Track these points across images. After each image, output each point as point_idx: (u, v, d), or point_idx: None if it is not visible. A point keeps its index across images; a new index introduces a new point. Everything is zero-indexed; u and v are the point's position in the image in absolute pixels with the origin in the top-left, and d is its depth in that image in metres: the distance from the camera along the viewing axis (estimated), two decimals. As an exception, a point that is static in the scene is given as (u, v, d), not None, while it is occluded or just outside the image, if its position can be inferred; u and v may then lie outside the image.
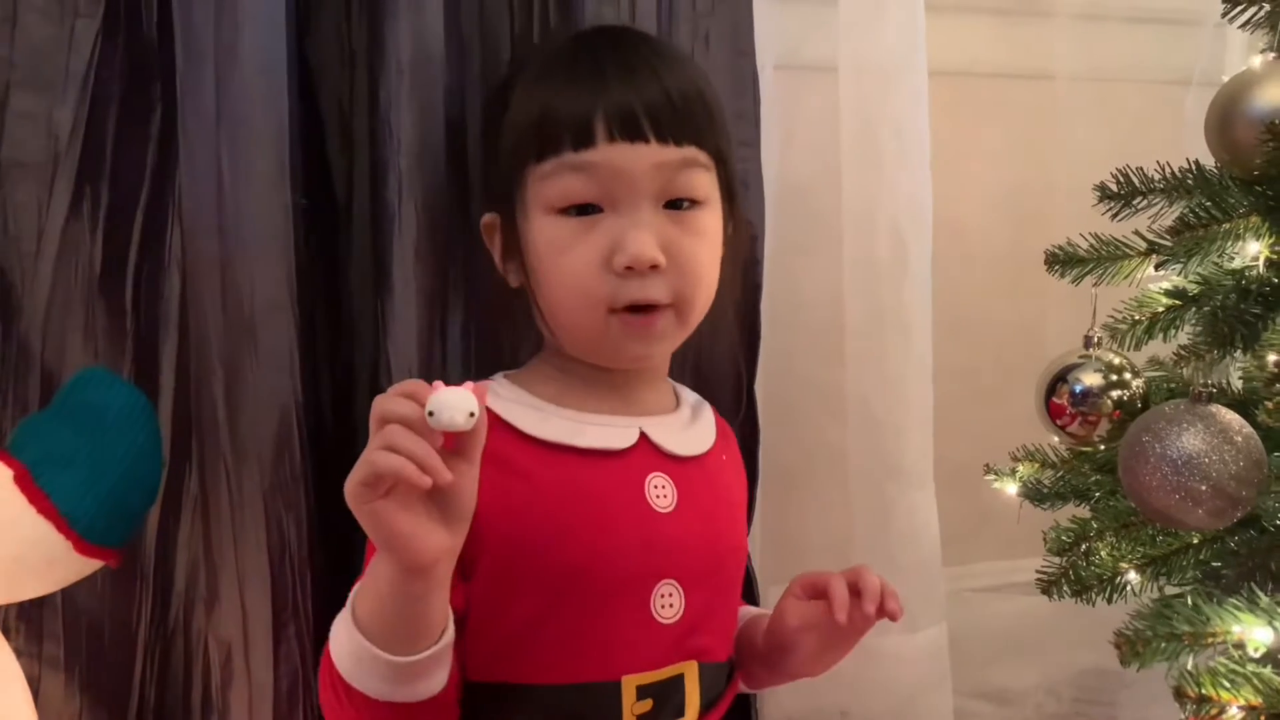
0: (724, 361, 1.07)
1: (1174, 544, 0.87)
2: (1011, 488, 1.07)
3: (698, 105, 0.76)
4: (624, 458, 0.77)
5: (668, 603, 0.75)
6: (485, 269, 0.87)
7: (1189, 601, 0.70)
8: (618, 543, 0.74)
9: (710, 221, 0.78)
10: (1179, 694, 0.62)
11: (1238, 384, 0.91)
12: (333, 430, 1.00)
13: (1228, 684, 0.60)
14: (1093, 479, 0.98)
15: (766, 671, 0.87)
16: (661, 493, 0.77)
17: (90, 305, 0.92)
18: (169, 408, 0.93)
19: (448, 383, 0.60)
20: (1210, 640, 0.63)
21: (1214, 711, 0.60)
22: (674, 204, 0.75)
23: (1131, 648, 0.68)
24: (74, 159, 0.90)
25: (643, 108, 0.73)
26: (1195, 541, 0.86)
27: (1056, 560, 0.93)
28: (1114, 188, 0.86)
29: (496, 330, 0.97)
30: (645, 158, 0.73)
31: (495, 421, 0.75)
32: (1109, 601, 0.89)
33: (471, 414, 0.59)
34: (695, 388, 0.95)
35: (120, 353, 0.93)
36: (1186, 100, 1.40)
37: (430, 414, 0.57)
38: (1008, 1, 1.44)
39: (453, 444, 0.62)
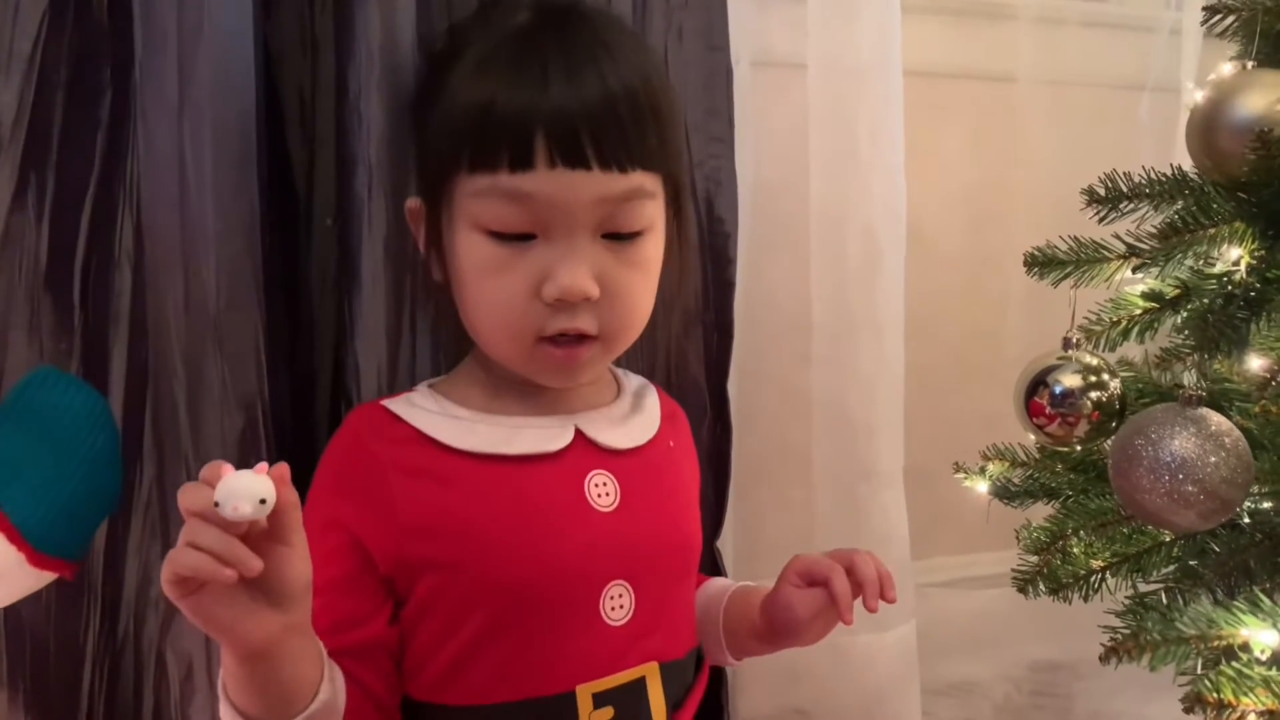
0: (695, 362, 1.06)
1: (1146, 542, 0.89)
2: (982, 486, 1.08)
3: (648, 119, 0.70)
4: (560, 459, 0.74)
5: (617, 604, 0.74)
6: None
7: (1182, 602, 0.71)
8: (560, 550, 0.72)
9: (650, 250, 0.74)
10: (1198, 699, 0.63)
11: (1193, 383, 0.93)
12: (293, 432, 0.96)
13: (1242, 688, 0.61)
14: (1065, 478, 0.99)
15: (763, 645, 0.85)
16: (603, 491, 0.75)
17: (35, 300, 0.87)
18: (119, 408, 0.88)
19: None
20: (1217, 643, 0.65)
21: (1233, 716, 0.61)
22: (613, 235, 0.71)
23: (1139, 649, 0.68)
24: (19, 145, 0.85)
25: (587, 125, 0.67)
26: (1167, 540, 0.88)
27: (1033, 558, 0.95)
28: (1101, 192, 0.87)
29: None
30: (587, 189, 0.68)
31: (419, 438, 0.73)
32: (1085, 599, 0.91)
33: (263, 501, 0.54)
34: (667, 388, 0.94)
35: (67, 351, 0.88)
36: (1141, 104, 1.44)
37: (216, 504, 0.54)
38: (971, 3, 1.45)
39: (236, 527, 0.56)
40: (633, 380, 0.87)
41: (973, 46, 1.47)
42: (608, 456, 0.76)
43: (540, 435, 0.75)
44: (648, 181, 0.71)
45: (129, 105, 0.89)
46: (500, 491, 0.72)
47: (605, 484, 0.75)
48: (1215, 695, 0.61)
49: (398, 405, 0.75)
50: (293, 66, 0.94)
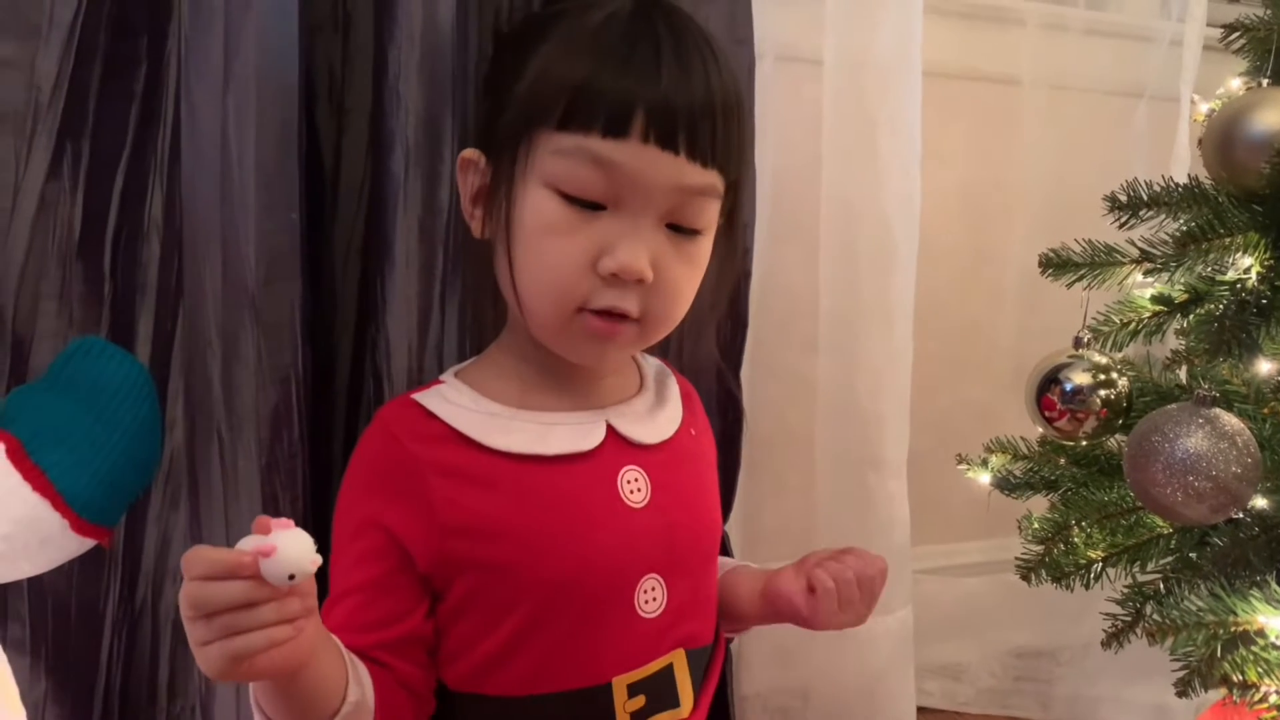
0: (709, 351, 1.08)
1: (1145, 534, 0.93)
2: (984, 477, 1.12)
3: (735, 123, 0.72)
4: (594, 457, 0.75)
5: (650, 597, 0.74)
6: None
7: (1183, 591, 0.75)
8: (597, 548, 0.73)
9: (704, 250, 0.75)
10: (1225, 680, 0.67)
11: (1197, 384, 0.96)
12: (314, 406, 0.97)
13: (1266, 671, 0.65)
14: (1067, 471, 1.03)
15: (749, 624, 0.88)
16: (635, 487, 0.75)
17: (67, 269, 0.88)
18: (145, 379, 0.89)
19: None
20: (1235, 629, 0.68)
21: (1256, 696, 0.65)
22: (676, 227, 0.72)
23: (1162, 632, 0.72)
24: (56, 112, 0.85)
25: (686, 113, 0.68)
26: (1166, 533, 0.92)
27: (1037, 548, 0.98)
28: (1123, 199, 0.90)
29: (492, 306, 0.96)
30: (669, 172, 0.69)
31: (454, 437, 0.72)
32: (1086, 587, 0.95)
33: (315, 547, 0.57)
34: (681, 374, 0.95)
35: (95, 320, 0.89)
36: (1137, 112, 1.48)
37: (291, 577, 0.55)
38: (982, 7, 1.48)
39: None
40: (651, 364, 0.87)
41: (980, 49, 1.50)
42: (638, 452, 0.77)
43: (574, 433, 0.75)
44: (719, 182, 0.72)
45: (162, 77, 0.89)
46: (538, 492, 0.72)
47: (637, 480, 0.75)
48: (1239, 676, 0.65)
49: (430, 400, 0.74)
50: (324, 40, 0.94)
